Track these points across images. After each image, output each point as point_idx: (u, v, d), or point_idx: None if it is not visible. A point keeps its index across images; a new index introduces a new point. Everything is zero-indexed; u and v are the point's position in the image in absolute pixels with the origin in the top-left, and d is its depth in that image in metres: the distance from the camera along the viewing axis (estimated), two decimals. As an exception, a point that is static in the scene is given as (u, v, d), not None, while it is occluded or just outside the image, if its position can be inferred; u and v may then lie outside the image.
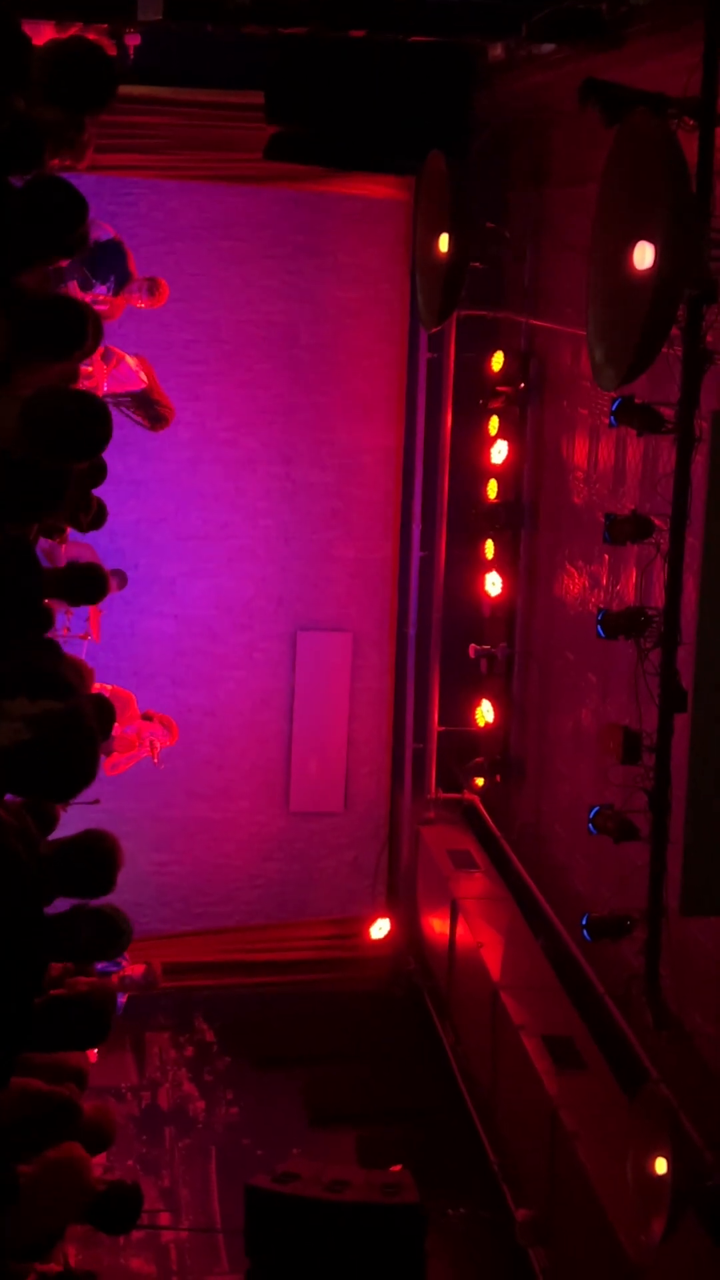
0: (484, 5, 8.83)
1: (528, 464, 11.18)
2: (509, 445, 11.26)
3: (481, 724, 11.80)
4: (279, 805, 12.51)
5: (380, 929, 12.35)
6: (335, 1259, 7.94)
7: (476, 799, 12.00)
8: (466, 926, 10.37)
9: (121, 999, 10.15)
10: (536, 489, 11.02)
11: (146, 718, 10.82)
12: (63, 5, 7.70)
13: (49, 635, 5.97)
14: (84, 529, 7.41)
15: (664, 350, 6.42)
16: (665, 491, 7.34)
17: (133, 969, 10.35)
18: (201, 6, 8.45)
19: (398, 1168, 8.63)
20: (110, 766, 10.46)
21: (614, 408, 7.67)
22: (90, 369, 9.57)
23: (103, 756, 5.64)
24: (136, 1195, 5.75)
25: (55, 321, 5.03)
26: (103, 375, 9.93)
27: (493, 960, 9.81)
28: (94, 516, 7.29)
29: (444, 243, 8.94)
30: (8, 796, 4.66)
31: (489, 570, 11.54)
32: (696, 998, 7.84)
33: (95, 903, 4.86)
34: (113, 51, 8.72)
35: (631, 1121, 6.95)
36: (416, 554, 12.16)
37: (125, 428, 10.43)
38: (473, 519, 11.61)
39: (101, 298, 9.81)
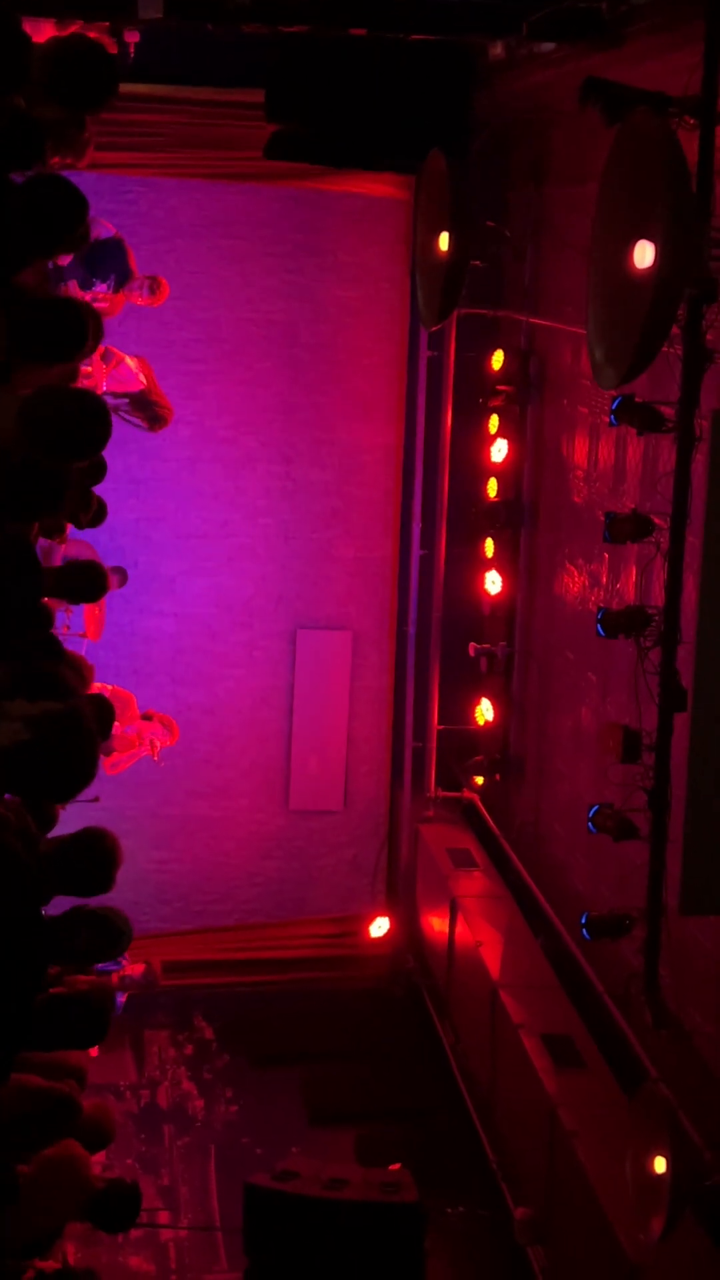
0: (484, 4, 8.82)
1: (528, 463, 11.18)
2: (509, 444, 11.26)
3: (481, 722, 11.80)
4: (278, 803, 12.51)
5: (379, 927, 12.35)
6: (334, 1257, 7.94)
7: (476, 797, 12.00)
8: (466, 925, 10.37)
9: (121, 998, 10.16)
10: (536, 488, 11.02)
11: (146, 717, 10.82)
12: (63, 3, 7.70)
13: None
14: (82, 526, 7.42)
15: (664, 349, 6.41)
16: (665, 490, 7.34)
17: (132, 968, 10.36)
18: (202, 5, 8.45)
19: (397, 1166, 8.62)
20: (110, 765, 10.46)
21: (614, 406, 7.67)
22: (90, 369, 9.58)
23: (102, 756, 5.65)
24: (135, 1193, 5.75)
25: (55, 324, 5.03)
26: (102, 375, 9.93)
27: (492, 959, 9.81)
28: (94, 515, 7.29)
29: (444, 241, 8.93)
30: (6, 796, 4.66)
31: (489, 569, 11.54)
32: (696, 997, 7.84)
33: (95, 905, 4.86)
34: (113, 49, 8.71)
35: (631, 1120, 6.95)
36: (416, 552, 12.17)
37: (125, 425, 10.43)
38: (473, 517, 11.60)
39: (101, 295, 9.81)
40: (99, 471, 7.00)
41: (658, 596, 7.60)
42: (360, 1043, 11.50)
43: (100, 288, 9.84)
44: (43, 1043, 5.05)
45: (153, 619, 12.14)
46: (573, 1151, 7.85)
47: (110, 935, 4.86)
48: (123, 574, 10.95)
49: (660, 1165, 6.55)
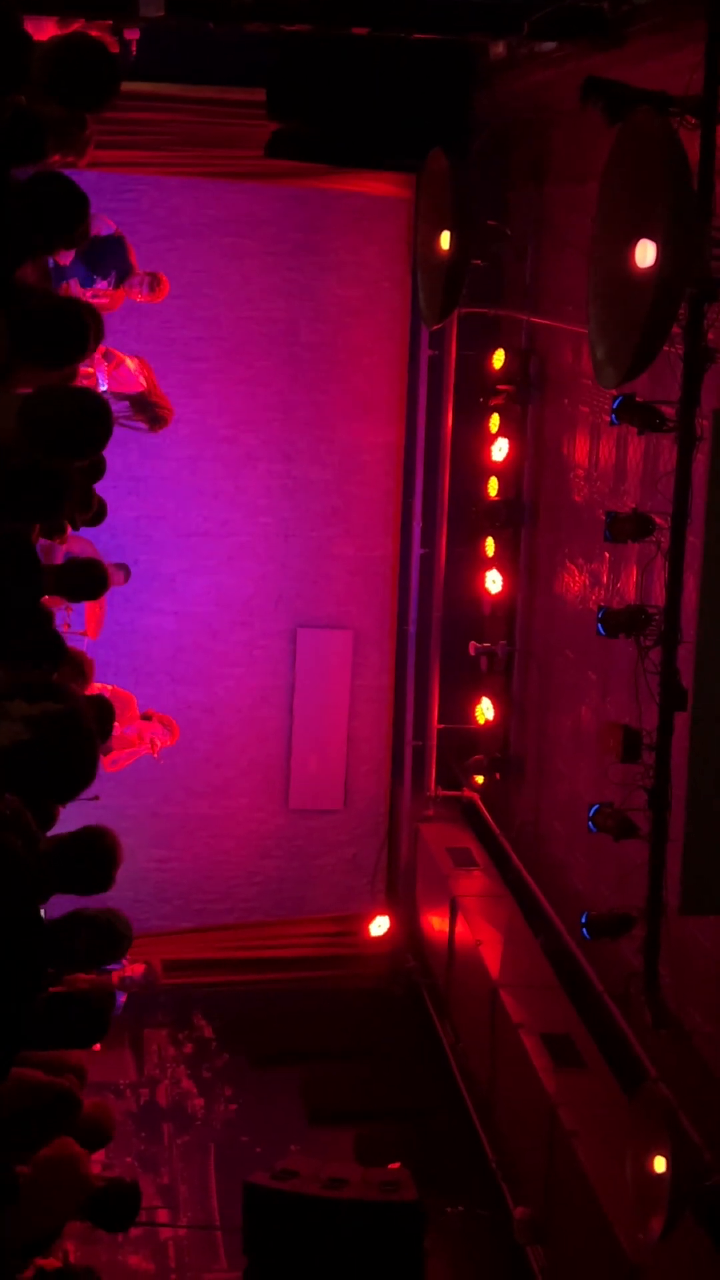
0: (486, 3, 8.82)
1: (528, 462, 11.18)
2: (510, 443, 11.25)
3: (481, 721, 11.80)
4: (278, 802, 12.51)
5: (379, 926, 12.35)
6: (333, 1256, 7.94)
7: (476, 797, 12.00)
8: (466, 924, 10.37)
9: (121, 998, 10.15)
10: (537, 487, 11.02)
11: (146, 717, 10.82)
12: (65, 2, 7.68)
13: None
14: (76, 527, 7.42)
15: (665, 349, 6.41)
16: (666, 490, 7.34)
17: (133, 968, 10.36)
18: (204, 3, 8.44)
19: (396, 1165, 8.62)
20: (110, 763, 10.46)
21: (615, 406, 7.67)
22: (91, 369, 9.58)
23: (101, 755, 5.64)
24: (135, 1192, 5.75)
25: (57, 328, 5.02)
26: (104, 373, 9.93)
27: (492, 958, 9.81)
28: (94, 515, 7.29)
29: (445, 240, 8.93)
30: (6, 795, 4.65)
31: (489, 568, 11.53)
32: (696, 996, 7.84)
33: (94, 908, 4.84)
34: (115, 48, 8.70)
35: (631, 1120, 6.95)
36: (417, 551, 12.16)
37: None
38: (473, 517, 11.60)
39: (102, 291, 9.81)
40: (98, 470, 6.99)
41: (658, 596, 7.60)
42: (360, 1042, 11.50)
43: (101, 284, 9.84)
44: (42, 1041, 5.05)
45: (153, 617, 12.14)
46: (573, 1151, 7.84)
47: (110, 938, 4.84)
48: (126, 570, 10.96)
49: (660, 1165, 6.55)
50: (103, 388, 9.86)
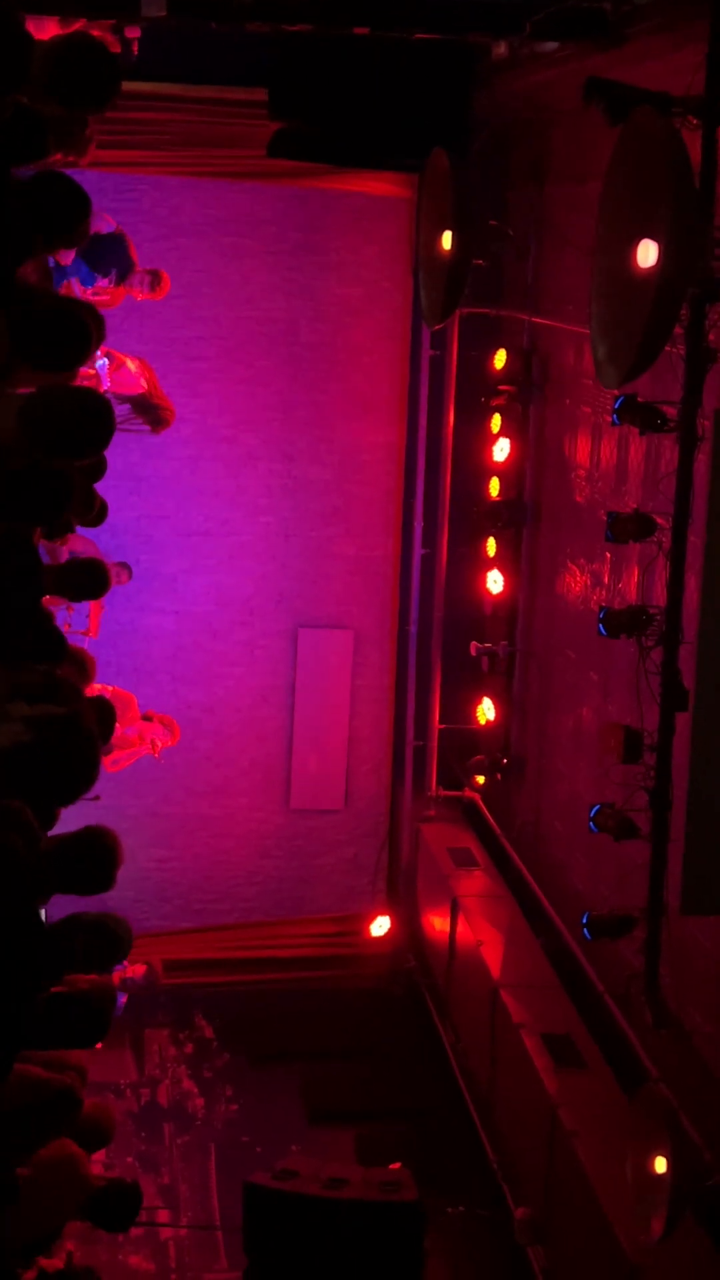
0: (487, 3, 8.81)
1: (530, 462, 11.17)
2: (511, 443, 11.25)
3: (482, 722, 11.80)
4: (279, 802, 12.51)
5: (380, 926, 12.34)
6: (334, 1256, 7.94)
7: (477, 797, 12.00)
8: (466, 924, 10.37)
9: (121, 999, 10.15)
10: (538, 487, 11.01)
11: (147, 718, 10.82)
12: (67, 1, 7.68)
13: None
14: (72, 527, 7.40)
15: (667, 349, 6.41)
16: (667, 490, 7.34)
17: (134, 969, 10.36)
18: (205, 3, 8.43)
19: (396, 1165, 8.62)
20: (111, 763, 10.46)
21: (616, 406, 7.67)
22: (92, 370, 9.58)
23: (102, 756, 5.63)
24: (135, 1192, 5.75)
25: (59, 331, 5.01)
26: (105, 372, 9.93)
27: (492, 958, 9.81)
28: (95, 516, 7.28)
29: (447, 240, 8.93)
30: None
31: (490, 568, 11.53)
32: (696, 996, 7.84)
33: (92, 913, 4.83)
34: (116, 48, 8.71)
35: (631, 1120, 6.95)
36: (418, 551, 12.16)
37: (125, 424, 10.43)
38: (475, 517, 11.60)
39: (103, 289, 9.81)
40: (99, 469, 6.99)
41: (659, 596, 7.60)
42: (360, 1042, 11.50)
43: (102, 282, 9.84)
44: (43, 1041, 5.04)
45: (153, 617, 12.14)
46: (573, 1151, 7.84)
47: (110, 941, 4.83)
48: (128, 569, 10.96)
49: (660, 1165, 6.55)
50: (104, 388, 9.86)
